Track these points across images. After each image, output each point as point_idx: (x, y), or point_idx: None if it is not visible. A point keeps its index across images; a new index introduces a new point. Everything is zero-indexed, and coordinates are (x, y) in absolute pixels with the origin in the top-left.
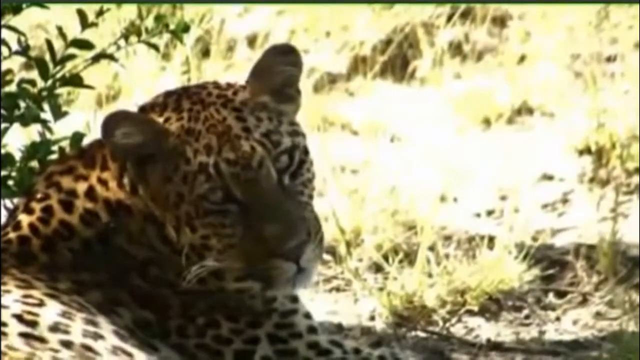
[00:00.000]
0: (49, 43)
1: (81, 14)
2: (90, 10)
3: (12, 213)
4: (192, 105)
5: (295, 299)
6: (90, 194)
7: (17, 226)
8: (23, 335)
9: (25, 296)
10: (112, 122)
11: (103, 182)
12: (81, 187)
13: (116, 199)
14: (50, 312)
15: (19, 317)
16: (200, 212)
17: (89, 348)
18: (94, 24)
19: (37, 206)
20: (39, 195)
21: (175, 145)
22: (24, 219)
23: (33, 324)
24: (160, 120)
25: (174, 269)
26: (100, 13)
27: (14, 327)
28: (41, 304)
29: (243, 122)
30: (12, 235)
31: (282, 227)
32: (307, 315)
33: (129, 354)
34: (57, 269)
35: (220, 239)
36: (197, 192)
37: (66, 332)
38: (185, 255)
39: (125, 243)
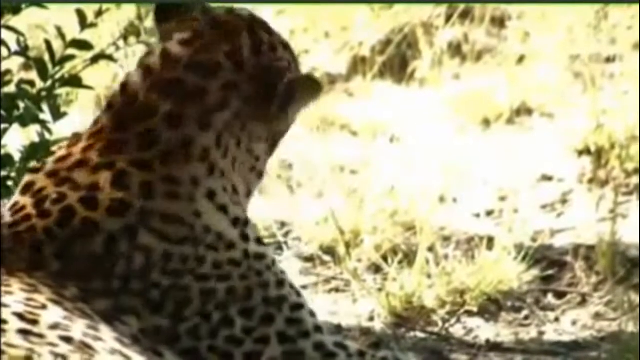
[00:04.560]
0: (48, 43)
1: (80, 14)
2: (89, 10)
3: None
4: None
5: (299, 293)
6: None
7: (32, 230)
8: (22, 332)
9: (28, 299)
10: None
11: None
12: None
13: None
14: (52, 314)
15: (19, 316)
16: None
17: (88, 346)
18: (94, 24)
19: (54, 208)
20: (54, 196)
21: None
22: (38, 222)
23: (33, 322)
24: None
25: (206, 249)
26: (99, 13)
27: (14, 324)
28: (43, 307)
29: None
30: (26, 237)
31: None
32: (312, 313)
33: (128, 357)
34: (67, 277)
35: None
36: None
37: (66, 330)
38: None
39: (162, 225)
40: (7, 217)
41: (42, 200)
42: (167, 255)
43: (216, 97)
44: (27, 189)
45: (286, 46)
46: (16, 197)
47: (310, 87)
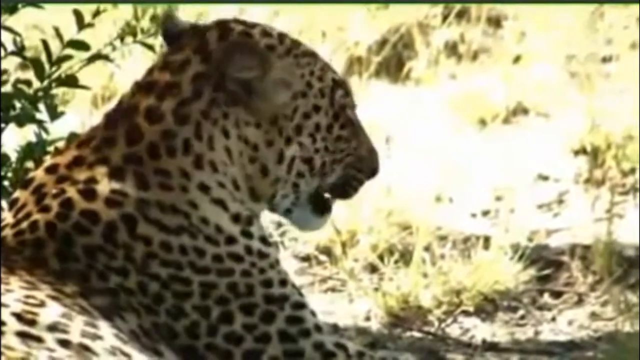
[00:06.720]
0: (46, 43)
1: (77, 15)
2: (86, 10)
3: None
4: None
5: (301, 293)
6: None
7: (34, 226)
8: (20, 334)
9: (27, 297)
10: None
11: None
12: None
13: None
14: (50, 312)
15: (18, 316)
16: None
17: (86, 347)
18: (91, 25)
19: (53, 202)
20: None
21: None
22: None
23: (31, 323)
24: None
25: (204, 239)
26: (96, 14)
27: (12, 326)
28: (42, 304)
29: None
30: (28, 236)
31: None
32: (313, 313)
33: (128, 355)
34: (67, 276)
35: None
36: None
37: (64, 331)
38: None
39: (159, 214)
40: (9, 217)
41: (43, 196)
42: (165, 245)
43: (188, 88)
44: (27, 184)
45: (268, 33)
46: (17, 193)
47: (242, 43)
